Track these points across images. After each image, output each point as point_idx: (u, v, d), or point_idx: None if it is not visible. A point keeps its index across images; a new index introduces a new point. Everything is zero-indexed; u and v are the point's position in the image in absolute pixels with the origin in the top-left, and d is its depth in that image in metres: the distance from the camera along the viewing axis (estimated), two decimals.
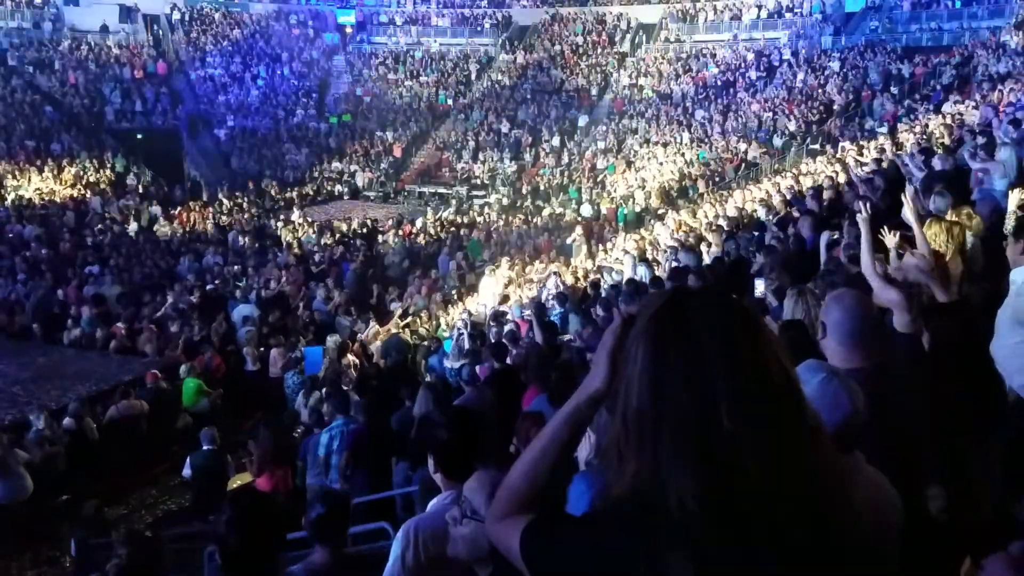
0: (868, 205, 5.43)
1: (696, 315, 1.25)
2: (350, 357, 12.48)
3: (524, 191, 31.03)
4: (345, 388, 9.68)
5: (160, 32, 38.99)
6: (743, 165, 25.87)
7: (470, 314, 13.48)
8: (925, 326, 3.64)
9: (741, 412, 1.17)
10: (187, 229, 25.06)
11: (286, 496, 7.69)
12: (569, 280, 14.45)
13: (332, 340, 13.00)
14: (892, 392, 2.70)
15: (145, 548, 4.32)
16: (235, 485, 8.10)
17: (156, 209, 26.95)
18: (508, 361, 8.49)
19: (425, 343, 13.02)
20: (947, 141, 13.24)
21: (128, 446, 10.87)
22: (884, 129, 21.26)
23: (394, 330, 14.09)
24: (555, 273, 14.90)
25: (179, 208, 27.58)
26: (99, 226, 23.49)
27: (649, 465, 1.21)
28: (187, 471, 9.16)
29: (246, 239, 23.14)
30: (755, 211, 13.59)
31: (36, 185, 27.11)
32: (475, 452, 3.04)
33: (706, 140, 29.03)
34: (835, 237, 7.13)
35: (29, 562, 8.64)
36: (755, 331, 1.25)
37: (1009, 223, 6.07)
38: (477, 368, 8.26)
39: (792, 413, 1.23)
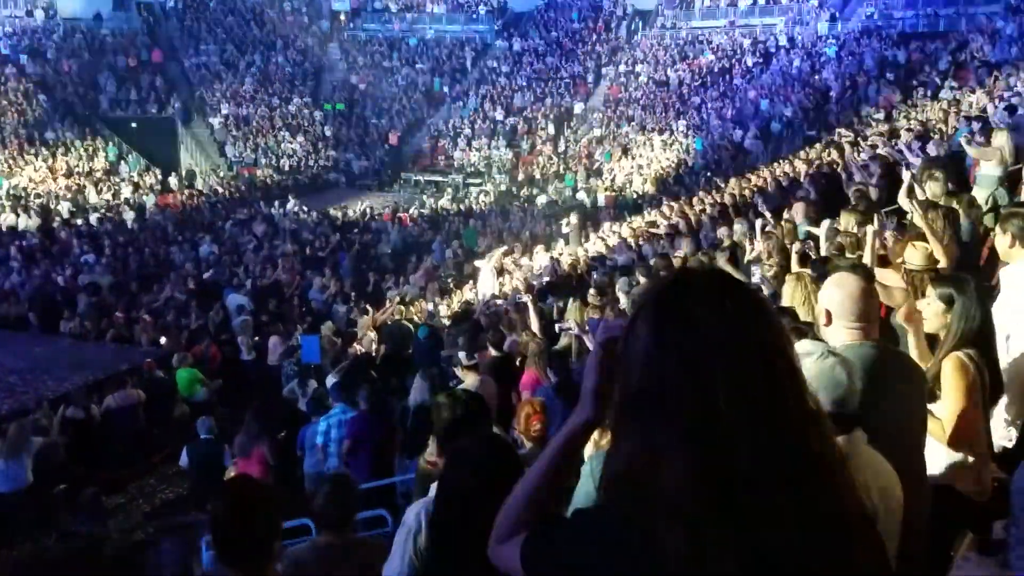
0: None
1: (699, 296, 1.23)
2: (356, 346, 12.48)
3: (520, 179, 30.99)
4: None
5: (154, 20, 38.78)
6: (739, 152, 25.82)
7: (468, 304, 13.49)
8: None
9: (738, 396, 1.16)
10: (181, 215, 24.97)
11: None
12: (565, 266, 14.45)
13: (327, 328, 13.00)
14: (894, 369, 2.71)
15: None
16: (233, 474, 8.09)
17: (150, 198, 26.88)
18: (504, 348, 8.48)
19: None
20: (944, 128, 13.24)
21: (126, 435, 10.86)
22: (881, 116, 21.23)
23: (392, 319, 14.08)
24: (553, 258, 14.90)
25: (171, 193, 27.52)
26: (95, 215, 23.43)
27: (644, 445, 1.20)
28: (184, 460, 9.16)
29: (243, 227, 23.09)
30: (751, 198, 13.58)
31: (30, 174, 27.01)
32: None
33: (702, 127, 28.97)
34: (836, 225, 7.14)
35: None
36: (758, 314, 1.24)
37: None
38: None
39: (791, 399, 1.21)
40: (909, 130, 13.49)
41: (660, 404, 1.20)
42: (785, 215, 9.96)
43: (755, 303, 1.26)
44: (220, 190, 29.16)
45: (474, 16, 41.35)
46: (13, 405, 10.62)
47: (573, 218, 19.75)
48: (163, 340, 13.63)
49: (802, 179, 12.87)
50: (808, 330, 2.96)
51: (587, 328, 7.23)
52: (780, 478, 1.16)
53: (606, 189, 26.56)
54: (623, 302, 8.94)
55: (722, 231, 10.76)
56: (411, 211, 25.35)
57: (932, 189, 6.84)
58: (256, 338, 13.55)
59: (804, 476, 1.18)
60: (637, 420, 1.23)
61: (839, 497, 1.22)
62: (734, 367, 1.18)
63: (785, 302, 4.96)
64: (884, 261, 5.40)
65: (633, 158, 29.06)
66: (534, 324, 8.80)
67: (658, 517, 1.16)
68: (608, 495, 1.27)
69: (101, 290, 16.31)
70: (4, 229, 21.59)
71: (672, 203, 17.47)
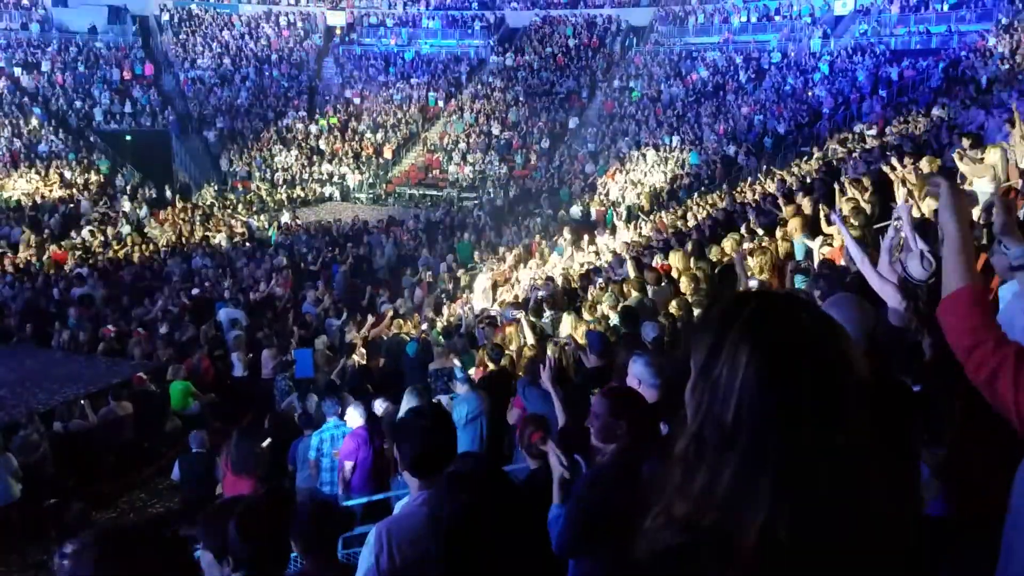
0: (837, 211, 5.49)
1: (801, 327, 1.15)
2: (355, 358, 12.42)
3: (514, 193, 31.03)
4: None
5: (148, 33, 38.84)
6: (731, 168, 25.87)
7: (461, 318, 13.46)
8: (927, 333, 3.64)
9: (832, 435, 1.10)
10: (176, 232, 24.88)
11: None
12: (559, 281, 14.43)
13: (321, 342, 12.93)
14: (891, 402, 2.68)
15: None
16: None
17: (143, 211, 26.81)
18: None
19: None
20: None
21: (116, 449, 10.80)
22: (873, 132, 21.33)
23: (385, 334, 14.03)
24: (549, 278, 14.87)
25: (167, 209, 27.46)
26: (88, 228, 23.34)
27: (721, 486, 1.12)
28: (176, 474, 9.11)
29: (235, 241, 23.05)
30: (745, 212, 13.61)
31: (23, 187, 26.93)
32: (446, 452, 2.97)
33: (697, 142, 29.09)
34: (829, 241, 7.17)
35: (17, 566, 8.57)
36: (849, 346, 1.17)
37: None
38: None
39: (882, 442, 1.16)
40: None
41: (753, 442, 1.11)
42: (779, 232, 9.95)
43: (842, 332, 1.19)
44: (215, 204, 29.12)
45: (470, 31, 41.53)
46: (3, 418, 10.55)
47: (567, 233, 19.76)
48: (155, 354, 13.57)
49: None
50: None
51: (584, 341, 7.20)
52: (872, 525, 1.10)
53: (600, 204, 26.60)
54: (613, 319, 8.91)
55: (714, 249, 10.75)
56: (406, 225, 25.34)
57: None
58: (250, 354, 13.46)
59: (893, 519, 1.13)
60: (718, 457, 1.14)
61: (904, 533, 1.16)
62: (836, 405, 1.11)
63: None
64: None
65: (627, 173, 29.14)
66: (529, 337, 8.80)
67: (722, 567, 1.08)
68: (655, 537, 1.16)
69: (95, 302, 16.23)
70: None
71: (665, 217, 17.51)
